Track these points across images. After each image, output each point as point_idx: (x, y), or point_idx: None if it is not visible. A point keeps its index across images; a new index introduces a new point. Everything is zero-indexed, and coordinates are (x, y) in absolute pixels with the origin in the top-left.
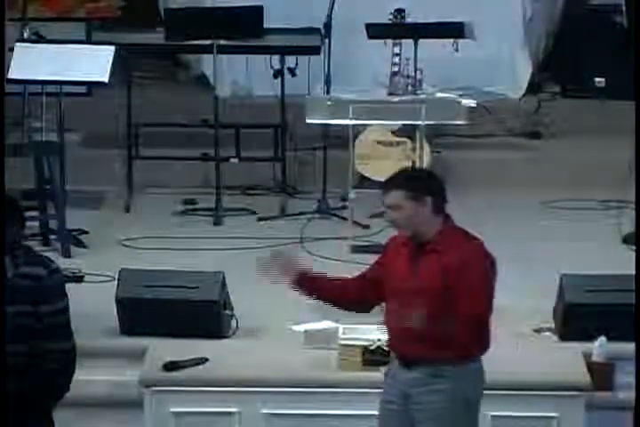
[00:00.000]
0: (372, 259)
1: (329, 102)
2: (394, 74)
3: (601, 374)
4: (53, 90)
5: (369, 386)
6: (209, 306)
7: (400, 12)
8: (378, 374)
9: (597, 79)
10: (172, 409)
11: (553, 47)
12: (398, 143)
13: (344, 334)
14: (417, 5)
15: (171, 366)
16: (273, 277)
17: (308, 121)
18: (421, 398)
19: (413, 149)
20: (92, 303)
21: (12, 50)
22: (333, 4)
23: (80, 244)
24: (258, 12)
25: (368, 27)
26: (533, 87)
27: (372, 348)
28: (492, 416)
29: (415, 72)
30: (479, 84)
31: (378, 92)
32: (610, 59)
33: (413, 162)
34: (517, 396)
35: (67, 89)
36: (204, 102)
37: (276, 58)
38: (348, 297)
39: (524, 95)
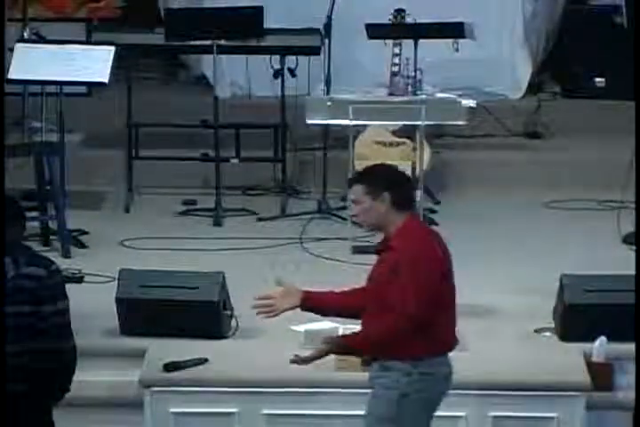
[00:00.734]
0: (372, 259)
1: (329, 102)
2: (394, 74)
3: (601, 374)
4: (53, 90)
5: (368, 386)
6: (209, 306)
7: (400, 12)
8: None
9: (597, 79)
10: (172, 409)
11: (553, 47)
12: (398, 143)
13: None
14: (417, 5)
15: (171, 367)
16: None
17: (308, 121)
18: (372, 391)
19: (413, 150)
20: (92, 303)
21: (11, 50)
22: (333, 4)
23: (80, 244)
24: (258, 12)
25: (368, 27)
26: (533, 87)
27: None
28: (492, 416)
29: (415, 72)
30: (479, 85)
31: (378, 92)
32: (610, 59)
33: (413, 162)
34: (517, 396)
35: (67, 89)
36: (203, 102)
37: (275, 58)
38: (353, 310)
39: (523, 95)
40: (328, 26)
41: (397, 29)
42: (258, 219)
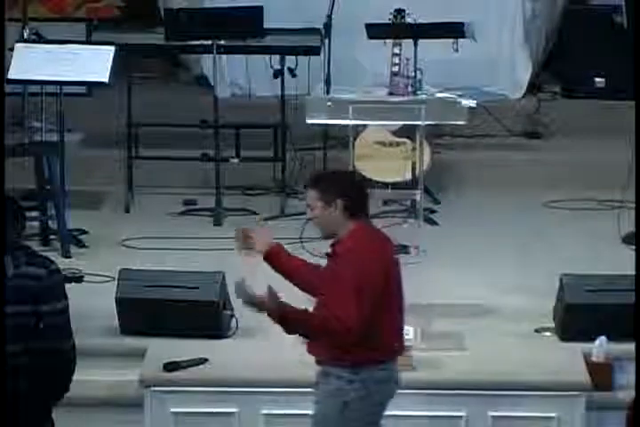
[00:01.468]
0: None
1: (329, 102)
2: (394, 74)
3: (601, 374)
4: (53, 90)
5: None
6: (209, 306)
7: (400, 12)
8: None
9: (597, 79)
10: (172, 409)
11: (553, 47)
12: (398, 143)
13: None
14: (417, 5)
15: (171, 367)
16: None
17: (308, 121)
18: (316, 395)
19: (413, 150)
20: (91, 303)
21: (12, 50)
22: (333, 4)
23: (80, 244)
24: (258, 12)
25: (368, 27)
26: (533, 87)
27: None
28: (492, 416)
29: (415, 72)
30: (479, 84)
31: (378, 92)
32: (610, 59)
33: (413, 162)
34: (517, 396)
35: (67, 89)
36: (204, 102)
37: (275, 58)
38: (307, 286)
39: (523, 95)
40: (328, 26)
41: (397, 29)
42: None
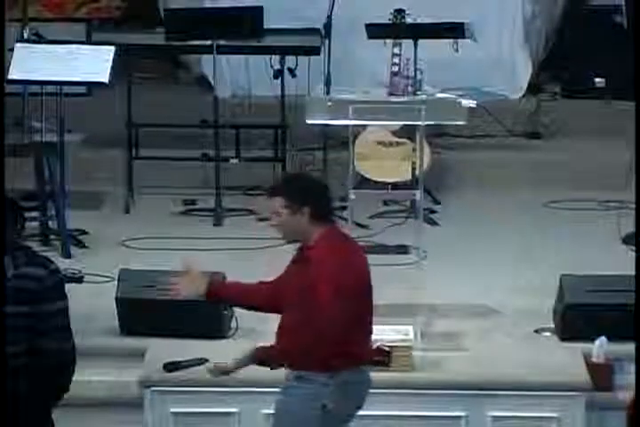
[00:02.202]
0: (371, 259)
1: (329, 102)
2: (394, 74)
3: (601, 374)
4: (53, 90)
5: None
6: (209, 306)
7: (400, 12)
8: (378, 374)
9: (597, 79)
10: (172, 409)
11: (553, 47)
12: (398, 144)
13: None
14: (417, 5)
15: (171, 367)
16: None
17: (308, 121)
18: (282, 396)
19: (413, 150)
20: (92, 303)
21: (11, 50)
22: (333, 3)
23: (80, 244)
24: (258, 12)
25: (368, 27)
26: (533, 87)
27: (372, 348)
28: (492, 416)
29: (415, 72)
30: (479, 85)
31: (378, 92)
32: (610, 59)
33: (413, 162)
34: (517, 396)
35: (67, 89)
36: (204, 102)
37: (276, 58)
38: (257, 303)
39: (523, 95)
40: (328, 26)
41: (397, 29)
42: (258, 219)
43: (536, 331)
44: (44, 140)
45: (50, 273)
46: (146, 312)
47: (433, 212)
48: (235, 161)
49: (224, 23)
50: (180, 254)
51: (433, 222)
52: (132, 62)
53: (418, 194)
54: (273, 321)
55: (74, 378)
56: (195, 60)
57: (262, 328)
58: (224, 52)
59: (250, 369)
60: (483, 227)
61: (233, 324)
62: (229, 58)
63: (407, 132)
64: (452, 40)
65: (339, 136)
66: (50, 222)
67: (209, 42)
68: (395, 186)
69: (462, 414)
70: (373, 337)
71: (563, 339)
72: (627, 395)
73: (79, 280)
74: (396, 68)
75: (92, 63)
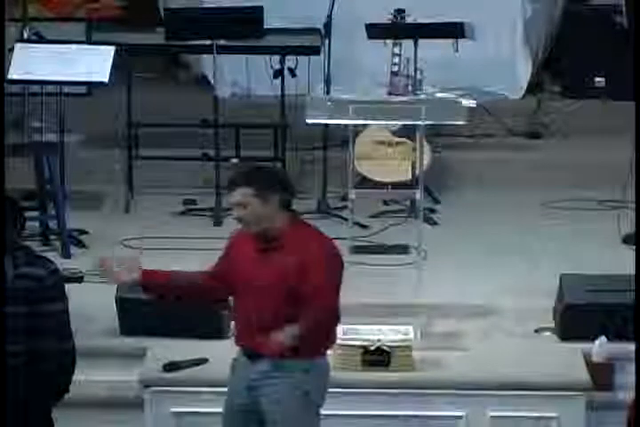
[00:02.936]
0: (372, 259)
1: (329, 102)
2: (394, 74)
3: (601, 374)
4: (53, 90)
5: (369, 386)
6: (209, 306)
7: (400, 12)
8: (378, 375)
9: (597, 79)
10: (172, 409)
11: (553, 47)
12: (398, 143)
13: (344, 334)
14: (417, 5)
15: (170, 367)
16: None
17: (308, 121)
18: (265, 389)
19: (413, 150)
20: (92, 303)
21: (11, 50)
22: (333, 3)
23: (80, 244)
24: (258, 12)
25: (368, 27)
26: (533, 87)
27: (372, 348)
28: (492, 416)
29: (415, 72)
30: (479, 84)
31: (378, 92)
32: (610, 59)
33: (413, 162)
34: (517, 396)
35: (67, 89)
36: (204, 102)
37: (276, 58)
38: (195, 291)
39: (523, 95)
40: (328, 26)
41: (397, 29)
42: None
43: (536, 331)
44: (44, 140)
45: (50, 273)
46: (146, 312)
47: (433, 211)
48: (235, 161)
49: (224, 23)
50: (180, 254)
51: (433, 222)
52: (131, 62)
53: (418, 194)
54: None
55: (74, 378)
56: (195, 59)
57: None
58: (224, 52)
59: None
60: (483, 227)
61: (233, 324)
62: (229, 58)
63: (407, 132)
64: (452, 40)
65: (339, 136)
66: (50, 222)
67: (209, 42)
68: (395, 186)
69: (462, 414)
70: (374, 337)
71: (563, 339)
72: (627, 395)
73: (79, 280)
74: (395, 68)
75: (91, 63)
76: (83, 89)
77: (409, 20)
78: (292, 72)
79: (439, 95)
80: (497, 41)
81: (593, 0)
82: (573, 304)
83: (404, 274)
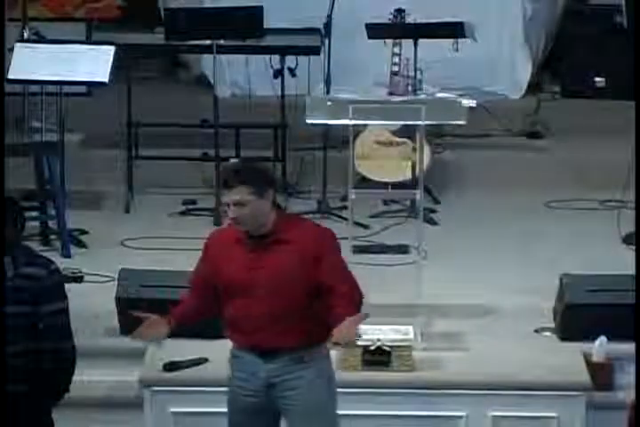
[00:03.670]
0: (372, 259)
1: (329, 102)
2: (394, 74)
3: (601, 374)
4: (53, 90)
5: (369, 386)
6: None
7: (400, 12)
8: (378, 374)
9: (597, 79)
10: (172, 409)
11: (553, 47)
12: (398, 143)
13: None
14: (417, 5)
15: (170, 367)
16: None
17: (308, 121)
18: (289, 384)
19: (413, 150)
20: (92, 303)
21: (11, 50)
22: (333, 3)
23: (80, 244)
24: (258, 12)
25: (368, 27)
26: (533, 87)
27: (372, 348)
28: (492, 416)
29: (415, 72)
30: (479, 84)
31: (378, 92)
32: (610, 59)
33: (413, 162)
34: (517, 396)
35: (67, 89)
36: (204, 102)
37: (276, 58)
38: (204, 313)
39: (524, 95)
40: (328, 25)
41: (397, 29)
42: None
43: (536, 331)
44: (43, 140)
45: (50, 273)
46: (146, 312)
47: (433, 211)
48: (235, 160)
49: (224, 23)
50: (180, 254)
51: (433, 222)
52: (132, 62)
53: (418, 194)
54: None
55: (74, 378)
56: (195, 59)
57: None
58: (224, 52)
59: None
60: (483, 227)
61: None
62: (229, 58)
63: (407, 132)
64: (452, 40)
65: (339, 136)
66: (50, 222)
67: (209, 42)
68: (395, 186)
69: (462, 414)
70: (374, 337)
71: (563, 339)
72: (627, 395)
73: (79, 280)
74: (396, 68)
75: (91, 63)
76: (83, 89)
77: (409, 20)
78: (292, 72)
79: (439, 95)
80: (497, 41)
81: (593, 0)
82: (573, 304)
83: (404, 274)
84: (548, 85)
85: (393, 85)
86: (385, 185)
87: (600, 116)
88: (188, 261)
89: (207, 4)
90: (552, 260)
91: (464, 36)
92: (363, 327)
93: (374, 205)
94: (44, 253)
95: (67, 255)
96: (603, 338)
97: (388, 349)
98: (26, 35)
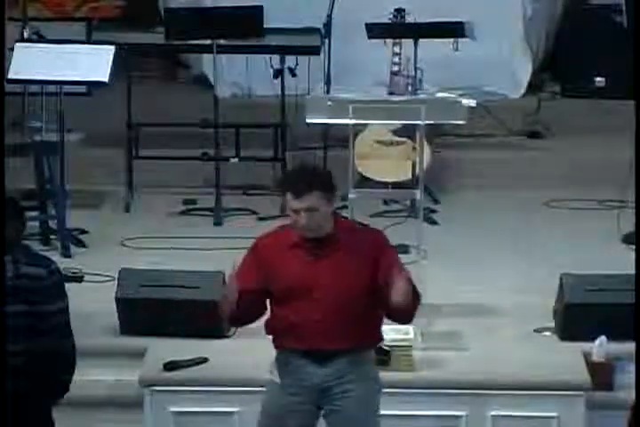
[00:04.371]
0: None
1: (329, 102)
2: (394, 74)
3: (601, 374)
4: (53, 90)
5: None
6: (209, 306)
7: (400, 12)
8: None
9: (597, 79)
10: (172, 409)
11: (553, 47)
12: (398, 143)
13: None
14: (417, 5)
15: (171, 366)
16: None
17: (308, 121)
18: (342, 387)
19: (413, 149)
20: (92, 303)
21: (12, 49)
22: (333, 3)
23: (80, 244)
24: (258, 12)
25: (368, 26)
26: (533, 87)
27: None
28: (492, 416)
29: (415, 72)
30: (479, 84)
31: (378, 92)
32: (610, 59)
33: (413, 162)
34: (517, 396)
35: (67, 89)
36: (204, 102)
37: (276, 58)
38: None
39: (523, 95)
40: (328, 25)
41: (397, 29)
42: (258, 218)
43: (536, 331)
44: (43, 140)
45: (50, 273)
46: (146, 312)
47: (433, 211)
48: (235, 161)
49: (224, 23)
50: (179, 254)
51: (433, 222)
52: (132, 62)
53: (418, 193)
54: None
55: (74, 378)
56: (195, 59)
57: (262, 328)
58: (224, 52)
59: (250, 369)
60: (483, 226)
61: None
62: (229, 57)
63: (407, 132)
64: (452, 40)
65: (339, 136)
66: (50, 222)
67: (209, 41)
68: (395, 185)
69: (462, 413)
70: None
71: (563, 338)
72: (627, 395)
73: (79, 280)
74: (396, 68)
75: (91, 63)
76: (83, 89)
77: (409, 19)
78: (292, 72)
79: (439, 95)
80: (497, 41)
81: (593, 0)
82: (573, 304)
83: None
84: (548, 85)
85: (393, 85)
86: (385, 185)
87: (600, 116)
88: (188, 261)
89: (207, 4)
90: (552, 259)
91: (464, 36)
92: None
93: (374, 205)
94: (44, 253)
95: (67, 255)
96: (603, 338)
97: (388, 349)
98: (26, 35)
